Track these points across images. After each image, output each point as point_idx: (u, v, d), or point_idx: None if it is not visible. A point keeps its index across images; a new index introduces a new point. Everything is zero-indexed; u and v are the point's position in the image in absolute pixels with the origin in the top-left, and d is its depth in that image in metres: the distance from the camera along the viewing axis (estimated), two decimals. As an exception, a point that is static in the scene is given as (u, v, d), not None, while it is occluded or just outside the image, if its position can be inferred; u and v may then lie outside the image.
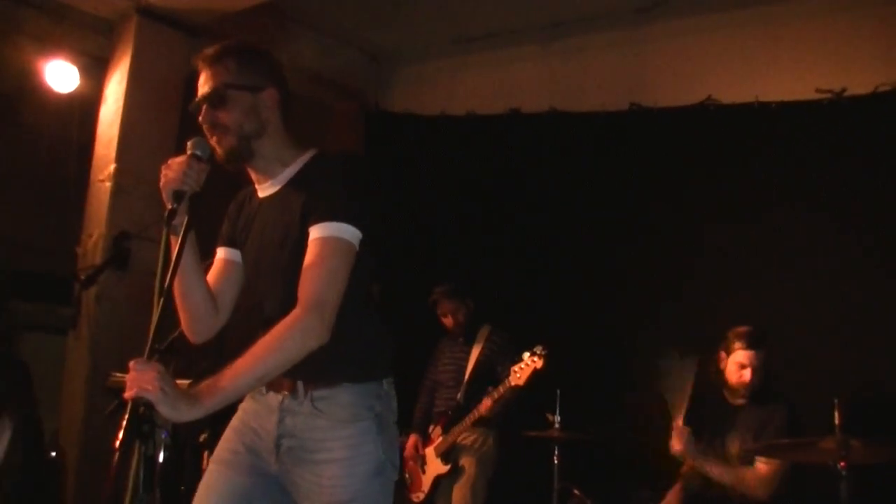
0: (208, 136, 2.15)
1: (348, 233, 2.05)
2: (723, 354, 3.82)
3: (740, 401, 3.79)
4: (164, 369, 1.82)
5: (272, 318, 2.04)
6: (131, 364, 1.81)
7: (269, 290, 2.19)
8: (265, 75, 2.21)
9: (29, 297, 5.62)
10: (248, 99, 2.16)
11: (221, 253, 2.35)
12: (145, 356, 1.84)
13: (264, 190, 2.26)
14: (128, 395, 1.78)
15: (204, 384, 1.91)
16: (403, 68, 6.69)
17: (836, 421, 3.02)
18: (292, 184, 2.20)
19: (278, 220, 2.18)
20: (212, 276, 2.31)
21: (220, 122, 2.14)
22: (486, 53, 6.16)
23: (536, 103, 5.75)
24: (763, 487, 3.54)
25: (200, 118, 2.16)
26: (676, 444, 3.73)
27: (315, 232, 2.05)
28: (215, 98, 2.14)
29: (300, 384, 2.11)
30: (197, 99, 2.17)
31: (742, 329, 3.78)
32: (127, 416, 1.77)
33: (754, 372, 3.72)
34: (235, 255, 2.33)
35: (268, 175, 2.24)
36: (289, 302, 2.02)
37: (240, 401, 2.25)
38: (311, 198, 2.09)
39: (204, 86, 2.16)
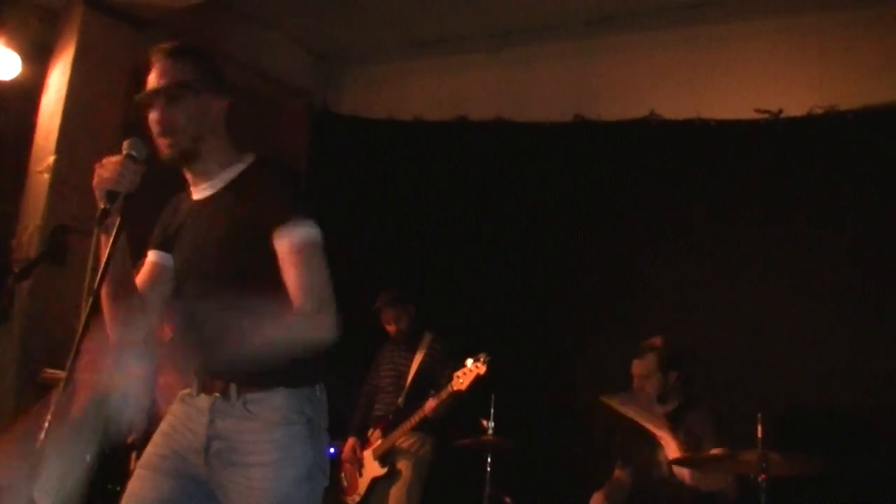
0: (154, 131, 2.15)
1: (315, 232, 2.10)
2: None
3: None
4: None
5: (204, 322, 2.04)
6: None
7: (201, 290, 2.17)
8: (218, 79, 2.24)
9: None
10: (200, 100, 2.17)
11: (152, 256, 2.33)
12: (72, 357, 1.83)
13: (200, 192, 2.25)
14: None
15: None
16: (352, 69, 6.67)
17: (759, 434, 3.11)
18: (232, 187, 2.20)
19: (214, 223, 2.17)
20: (140, 278, 2.29)
21: (170, 119, 2.14)
22: (435, 59, 6.19)
23: (483, 111, 5.79)
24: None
25: (150, 112, 2.15)
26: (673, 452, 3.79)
27: (285, 238, 2.06)
28: (169, 94, 2.14)
29: (233, 386, 2.11)
30: (147, 91, 2.16)
31: None
32: (50, 416, 1.75)
33: (636, 379, 3.94)
34: (165, 258, 2.31)
35: (205, 178, 2.24)
36: (227, 306, 2.02)
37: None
38: (263, 203, 2.09)
39: (159, 79, 2.16)
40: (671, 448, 3.70)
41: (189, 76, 2.16)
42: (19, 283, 4.88)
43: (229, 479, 2.10)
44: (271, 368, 2.09)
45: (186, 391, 2.22)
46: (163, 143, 2.14)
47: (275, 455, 2.08)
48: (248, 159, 2.25)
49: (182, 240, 2.26)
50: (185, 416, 2.19)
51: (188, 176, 2.27)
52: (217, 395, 2.13)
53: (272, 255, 2.07)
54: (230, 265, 2.09)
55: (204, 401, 2.15)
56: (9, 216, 5.26)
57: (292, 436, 2.11)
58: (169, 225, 2.33)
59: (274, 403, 2.11)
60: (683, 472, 3.66)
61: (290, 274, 2.06)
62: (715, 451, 3.61)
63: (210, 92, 2.19)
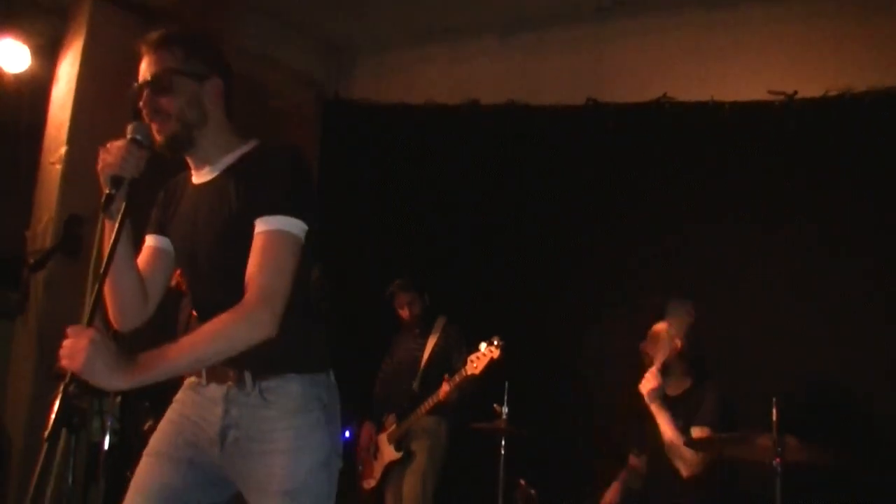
0: (149, 122, 2.11)
1: (295, 226, 2.02)
2: None
3: (674, 391, 3.87)
4: (99, 336, 1.79)
5: (215, 310, 1.98)
6: (68, 331, 1.80)
7: (208, 280, 2.16)
8: (210, 64, 2.19)
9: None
10: (192, 87, 2.13)
11: (150, 241, 2.31)
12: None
13: (200, 177, 2.22)
14: (63, 364, 1.77)
15: (143, 356, 1.86)
16: (363, 58, 6.64)
17: (774, 418, 3.07)
18: (230, 172, 2.16)
19: (214, 208, 2.13)
20: (140, 263, 2.26)
21: (163, 108, 2.10)
22: (445, 46, 6.14)
23: (495, 96, 5.75)
24: (686, 467, 3.61)
25: (141, 103, 2.12)
26: (649, 383, 3.77)
27: (262, 225, 2.01)
28: (158, 83, 2.11)
29: (248, 375, 2.09)
30: (139, 83, 2.13)
31: None
32: (56, 408, 1.75)
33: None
34: (164, 242, 2.29)
35: (205, 162, 2.20)
36: (232, 293, 1.97)
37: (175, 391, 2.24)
38: (254, 189, 2.06)
39: (147, 70, 2.13)
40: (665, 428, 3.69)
41: (176, 64, 2.12)
42: (34, 274, 4.92)
43: (248, 467, 2.09)
44: (287, 356, 2.09)
45: (193, 379, 2.21)
46: (155, 131, 2.11)
47: (295, 442, 2.07)
48: (250, 145, 2.21)
49: (178, 226, 2.24)
50: (195, 404, 2.17)
51: (189, 161, 2.24)
52: (231, 383, 2.11)
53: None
54: (223, 258, 2.07)
55: (215, 389, 2.13)
56: (23, 208, 5.29)
57: (311, 423, 2.10)
58: (167, 208, 2.30)
59: (291, 391, 2.10)
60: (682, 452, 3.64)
61: (250, 262, 2.00)
62: (699, 432, 3.60)
63: (202, 77, 2.15)
